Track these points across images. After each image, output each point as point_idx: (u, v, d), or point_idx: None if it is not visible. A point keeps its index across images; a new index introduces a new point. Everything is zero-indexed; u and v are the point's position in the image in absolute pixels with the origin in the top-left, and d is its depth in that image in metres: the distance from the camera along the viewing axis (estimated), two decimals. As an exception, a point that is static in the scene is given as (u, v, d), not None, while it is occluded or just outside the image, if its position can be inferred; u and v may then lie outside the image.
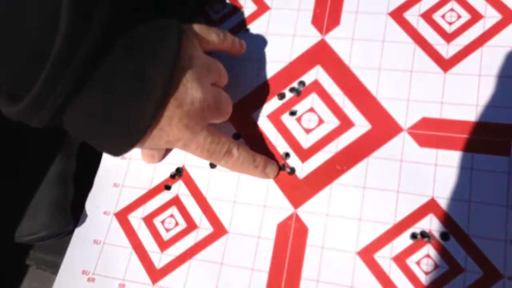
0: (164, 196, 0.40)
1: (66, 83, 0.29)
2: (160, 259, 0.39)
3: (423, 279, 0.34)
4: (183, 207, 0.40)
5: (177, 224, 0.39)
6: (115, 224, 0.40)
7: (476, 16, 0.38)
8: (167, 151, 0.42)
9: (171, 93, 0.33)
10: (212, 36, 0.37)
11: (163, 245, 0.39)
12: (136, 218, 0.40)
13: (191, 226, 0.39)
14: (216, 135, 0.37)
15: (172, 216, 0.40)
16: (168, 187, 0.41)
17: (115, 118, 0.32)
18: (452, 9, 0.39)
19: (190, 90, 0.34)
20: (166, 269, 0.38)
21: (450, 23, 0.39)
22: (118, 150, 0.34)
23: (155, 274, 0.38)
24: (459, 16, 0.39)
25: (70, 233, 0.40)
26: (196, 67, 0.34)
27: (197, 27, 0.37)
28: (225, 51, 0.40)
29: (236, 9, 0.44)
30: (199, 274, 0.37)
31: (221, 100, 0.36)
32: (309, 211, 0.37)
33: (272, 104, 0.41)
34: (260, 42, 0.42)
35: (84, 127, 0.32)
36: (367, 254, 0.35)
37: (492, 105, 0.36)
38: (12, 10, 0.28)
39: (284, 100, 0.40)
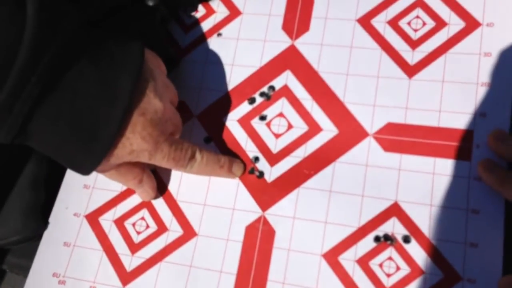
0: (136, 199, 0.41)
1: (33, 89, 0.30)
2: (130, 261, 0.39)
3: (385, 281, 0.35)
4: (154, 210, 0.40)
5: (147, 226, 0.40)
6: (86, 226, 0.40)
7: (440, 23, 0.39)
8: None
9: (135, 101, 0.33)
10: (162, 62, 0.38)
11: (134, 247, 0.39)
12: (107, 221, 0.41)
13: (161, 228, 0.39)
14: (179, 142, 0.37)
15: (143, 218, 0.40)
16: (139, 190, 0.41)
17: (82, 125, 0.32)
18: (417, 16, 0.40)
19: (153, 100, 0.34)
20: (137, 272, 0.39)
21: (415, 30, 0.40)
22: (86, 162, 0.33)
23: (126, 276, 0.39)
24: (424, 23, 0.40)
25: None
26: (157, 82, 0.35)
27: (152, 51, 0.38)
28: None
29: (209, 14, 0.44)
30: (169, 277, 0.38)
31: (177, 117, 0.38)
32: (276, 214, 0.38)
33: (242, 109, 0.41)
34: (231, 46, 0.43)
35: (51, 138, 0.32)
36: (332, 257, 0.36)
37: (454, 111, 0.37)
38: None
39: (254, 105, 0.41)
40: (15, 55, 0.29)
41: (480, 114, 0.36)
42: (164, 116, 0.35)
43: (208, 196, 0.40)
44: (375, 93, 0.39)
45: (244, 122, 0.41)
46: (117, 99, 0.32)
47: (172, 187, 0.41)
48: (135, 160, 0.36)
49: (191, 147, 0.38)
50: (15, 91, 0.29)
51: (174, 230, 0.39)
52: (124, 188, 0.41)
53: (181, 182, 0.40)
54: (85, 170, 0.34)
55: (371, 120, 0.38)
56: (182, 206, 0.40)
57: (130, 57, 0.33)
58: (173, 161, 0.37)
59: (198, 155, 0.38)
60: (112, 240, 0.40)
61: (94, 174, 0.42)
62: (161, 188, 0.41)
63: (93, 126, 0.32)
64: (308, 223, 0.37)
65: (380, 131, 0.38)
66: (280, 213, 0.38)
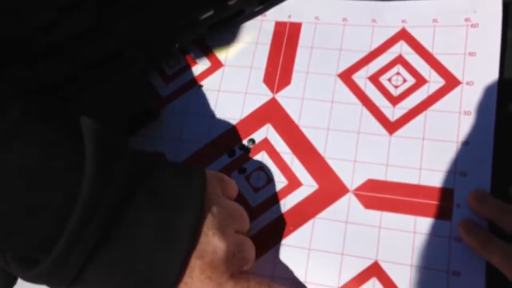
0: None
1: (89, 240, 0.28)
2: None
3: None
4: None
5: None
6: None
7: (420, 81, 0.39)
8: None
9: (193, 243, 0.30)
10: (231, 183, 0.36)
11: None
12: None
13: None
14: (243, 280, 0.33)
15: None
16: None
17: (139, 273, 0.29)
18: (398, 73, 0.40)
19: (212, 239, 0.31)
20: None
21: (396, 87, 0.40)
22: None
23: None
24: (404, 80, 0.40)
25: None
26: (219, 215, 0.32)
27: (218, 174, 0.35)
28: None
29: (191, 65, 0.44)
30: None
31: (245, 248, 0.34)
32: (254, 272, 0.37)
33: (222, 161, 0.41)
34: (212, 98, 0.43)
35: (105, 287, 0.30)
36: (310, 319, 0.35)
37: (435, 169, 0.37)
38: (35, 174, 0.28)
39: (234, 158, 0.40)
40: (73, 207, 0.28)
41: (460, 173, 0.36)
42: (227, 254, 0.31)
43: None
44: (356, 149, 0.39)
45: (223, 175, 0.40)
46: (176, 244, 0.30)
47: None
48: None
49: (260, 284, 0.33)
50: (70, 243, 0.28)
51: None
52: None
53: None
54: None
55: (351, 176, 0.38)
56: None
57: (191, 192, 0.31)
58: None
59: None
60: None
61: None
62: None
63: (150, 274, 0.29)
64: (286, 282, 0.36)
65: (360, 188, 0.37)
66: (258, 272, 0.37)
